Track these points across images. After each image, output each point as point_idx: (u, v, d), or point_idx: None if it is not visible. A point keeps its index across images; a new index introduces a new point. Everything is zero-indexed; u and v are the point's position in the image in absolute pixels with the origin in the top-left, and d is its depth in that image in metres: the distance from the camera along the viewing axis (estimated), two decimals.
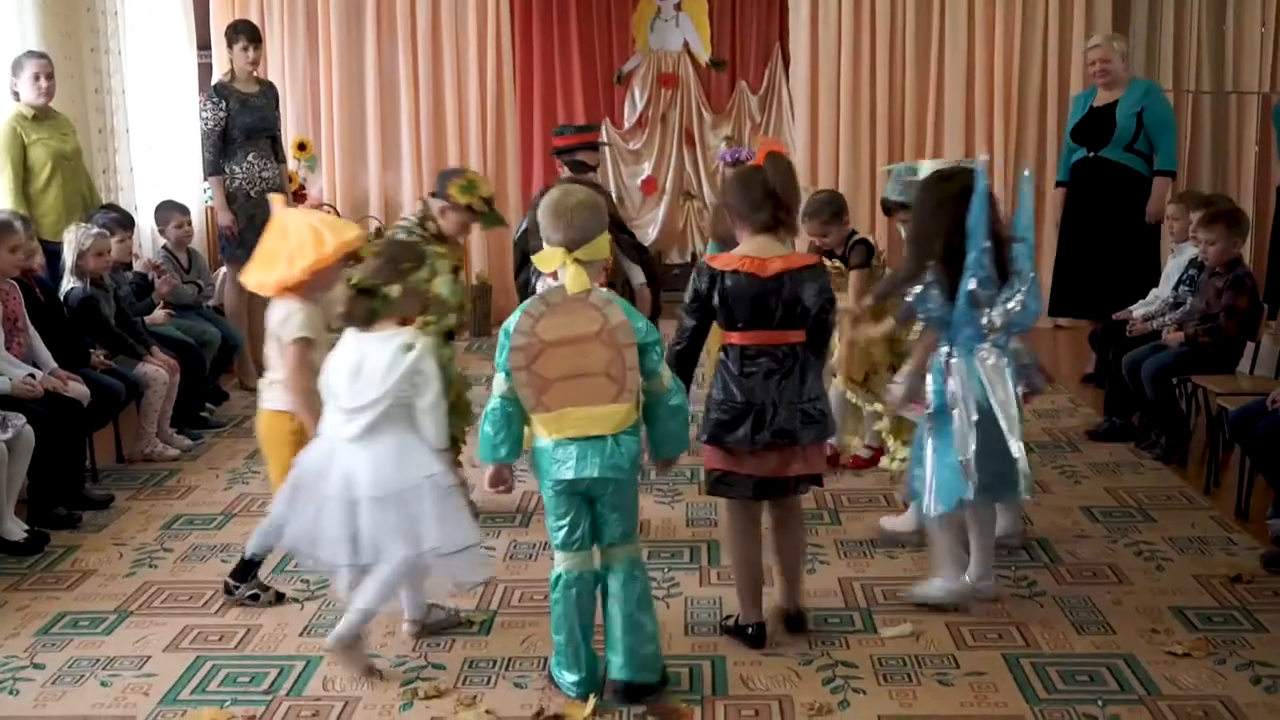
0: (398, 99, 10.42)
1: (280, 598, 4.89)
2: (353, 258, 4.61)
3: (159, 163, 9.41)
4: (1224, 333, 6.25)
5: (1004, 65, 9.98)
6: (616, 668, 4.02)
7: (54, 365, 5.99)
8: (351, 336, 4.23)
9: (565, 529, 3.97)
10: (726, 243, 7.50)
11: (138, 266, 7.60)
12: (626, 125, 11.26)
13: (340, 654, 4.23)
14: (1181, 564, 5.14)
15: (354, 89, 10.45)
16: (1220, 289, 6.31)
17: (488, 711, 3.97)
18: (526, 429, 4.03)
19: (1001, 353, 4.49)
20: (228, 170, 8.37)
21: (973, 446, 4.41)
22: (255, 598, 4.86)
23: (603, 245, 3.94)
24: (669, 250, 11.57)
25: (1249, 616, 4.62)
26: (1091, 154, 7.99)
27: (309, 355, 4.49)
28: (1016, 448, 4.43)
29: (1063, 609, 4.69)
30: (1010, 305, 4.44)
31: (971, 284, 4.38)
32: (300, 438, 4.46)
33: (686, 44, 11.09)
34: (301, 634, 4.57)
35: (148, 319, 7.26)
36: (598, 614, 4.09)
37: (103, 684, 4.22)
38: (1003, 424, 4.43)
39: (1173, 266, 7.15)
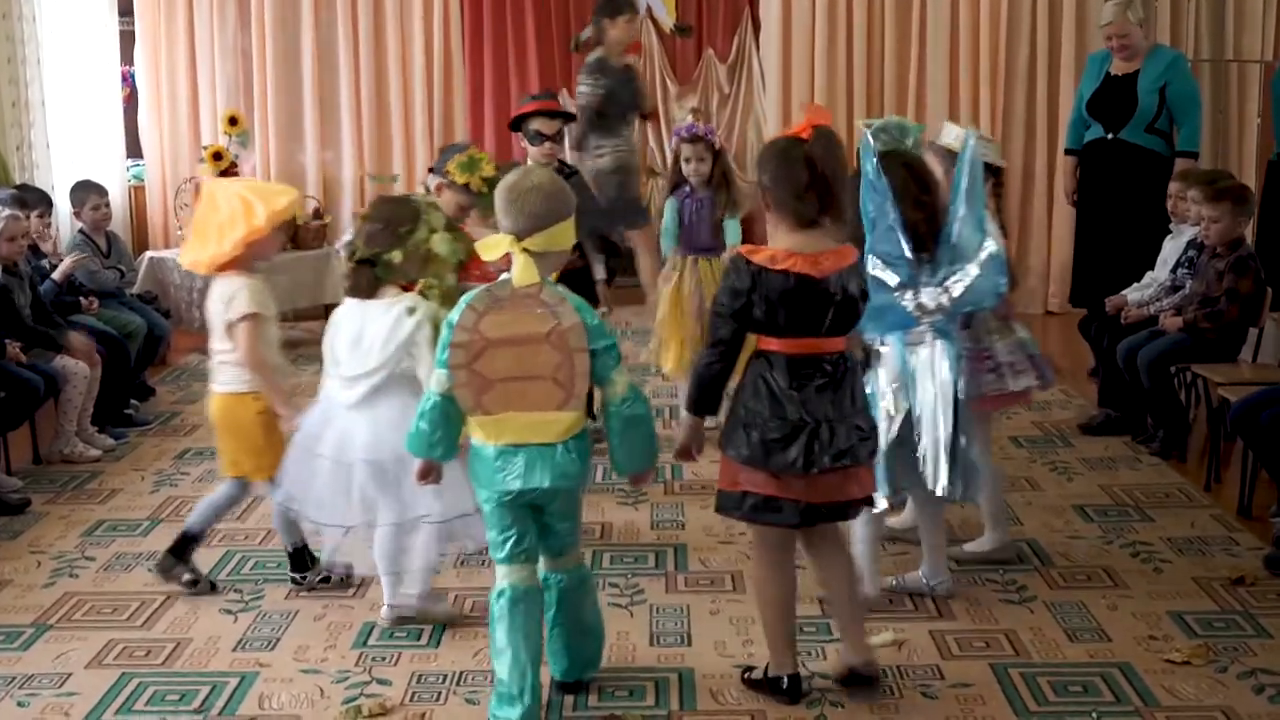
0: (337, 70, 10.35)
1: (213, 587, 5.05)
2: (291, 224, 4.78)
3: (79, 139, 9.34)
4: (1225, 318, 6.27)
5: (990, 30, 10.00)
6: (561, 671, 4.18)
7: None
8: (354, 304, 4.54)
9: (511, 540, 3.89)
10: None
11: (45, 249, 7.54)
12: None
13: (424, 617, 4.67)
14: (1180, 566, 5.18)
15: (290, 59, 10.37)
16: (1221, 271, 6.33)
17: None
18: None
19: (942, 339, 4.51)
20: None
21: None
22: (194, 583, 5.01)
23: (561, 235, 3.83)
24: None
25: (1252, 621, 4.66)
26: (1109, 135, 7.86)
27: (260, 329, 4.67)
28: (925, 445, 4.44)
29: (1054, 615, 4.72)
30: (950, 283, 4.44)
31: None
32: (268, 418, 4.68)
33: (649, 8, 11.06)
34: (235, 648, 4.55)
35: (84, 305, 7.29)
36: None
37: (19, 704, 4.19)
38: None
39: (1170, 249, 7.09)
